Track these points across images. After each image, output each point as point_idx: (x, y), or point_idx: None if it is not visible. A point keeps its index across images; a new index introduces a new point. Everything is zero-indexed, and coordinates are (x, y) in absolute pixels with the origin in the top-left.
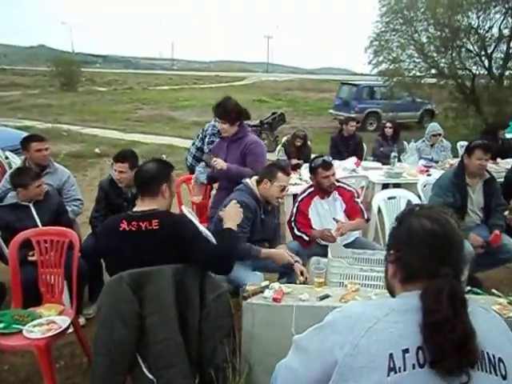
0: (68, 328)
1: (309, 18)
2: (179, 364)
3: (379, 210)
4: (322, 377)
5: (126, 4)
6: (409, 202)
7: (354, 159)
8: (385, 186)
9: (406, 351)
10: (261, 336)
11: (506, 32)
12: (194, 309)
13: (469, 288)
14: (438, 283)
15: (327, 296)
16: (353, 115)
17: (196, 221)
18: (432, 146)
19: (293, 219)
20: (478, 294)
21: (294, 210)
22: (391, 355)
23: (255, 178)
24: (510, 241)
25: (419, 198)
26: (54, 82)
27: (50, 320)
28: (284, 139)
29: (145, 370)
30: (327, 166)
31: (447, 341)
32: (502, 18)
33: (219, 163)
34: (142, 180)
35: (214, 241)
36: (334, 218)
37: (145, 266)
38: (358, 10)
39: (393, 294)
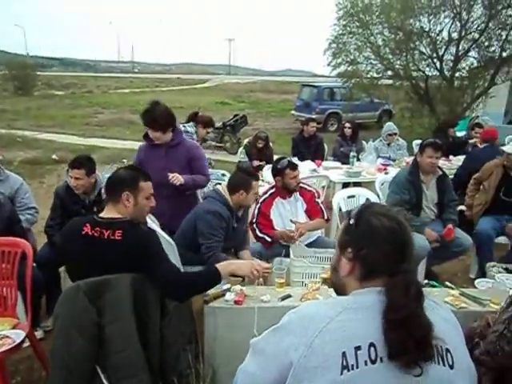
0: (23, 342)
1: (270, 21)
2: (140, 374)
3: (340, 209)
4: (280, 378)
5: (76, 4)
6: (367, 201)
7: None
8: (345, 185)
9: (358, 348)
10: (224, 339)
11: (454, 35)
12: (154, 317)
13: (426, 281)
14: (405, 279)
15: (288, 296)
16: (314, 116)
17: (158, 228)
18: (389, 145)
19: (254, 221)
20: (434, 286)
21: (256, 211)
22: (344, 353)
23: (225, 184)
24: (463, 234)
25: (377, 196)
26: (8, 86)
27: (3, 335)
28: (246, 141)
29: (104, 380)
30: (294, 166)
31: (411, 336)
32: (451, 22)
33: (177, 178)
34: (107, 186)
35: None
36: (291, 220)
37: (103, 275)
38: (317, 12)
39: (343, 293)
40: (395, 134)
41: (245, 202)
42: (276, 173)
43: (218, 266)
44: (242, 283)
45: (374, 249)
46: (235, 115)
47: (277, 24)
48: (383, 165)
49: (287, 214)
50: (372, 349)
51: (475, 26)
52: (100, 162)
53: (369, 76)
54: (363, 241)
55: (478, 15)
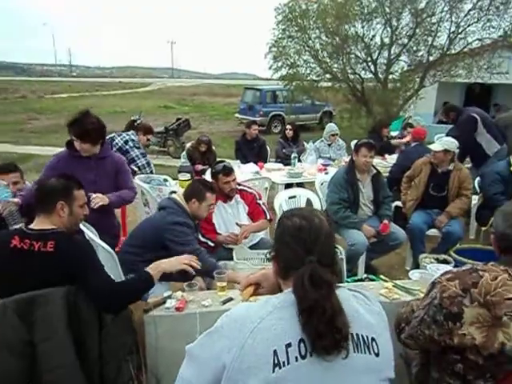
0: None
1: (214, 24)
2: None
3: (282, 210)
4: (215, 382)
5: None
6: (308, 200)
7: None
8: (289, 186)
9: (288, 345)
10: (166, 348)
11: (386, 40)
12: (92, 330)
13: (365, 275)
14: (299, 271)
15: (230, 299)
16: (258, 119)
17: (96, 238)
18: (330, 145)
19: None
20: (373, 279)
21: None
22: (275, 351)
23: (181, 193)
24: (398, 229)
25: (317, 195)
26: None
27: None
28: (188, 145)
29: None
30: (228, 172)
31: (320, 322)
32: (383, 28)
33: (102, 199)
34: (38, 196)
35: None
36: (236, 223)
37: (35, 289)
38: (259, 16)
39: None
40: (337, 134)
41: (197, 212)
42: (212, 177)
43: (148, 268)
44: (189, 288)
45: (285, 247)
46: (178, 119)
47: (221, 27)
48: (323, 165)
49: (229, 218)
50: (302, 344)
51: (404, 32)
52: (35, 170)
53: (308, 79)
54: (277, 241)
55: (406, 22)
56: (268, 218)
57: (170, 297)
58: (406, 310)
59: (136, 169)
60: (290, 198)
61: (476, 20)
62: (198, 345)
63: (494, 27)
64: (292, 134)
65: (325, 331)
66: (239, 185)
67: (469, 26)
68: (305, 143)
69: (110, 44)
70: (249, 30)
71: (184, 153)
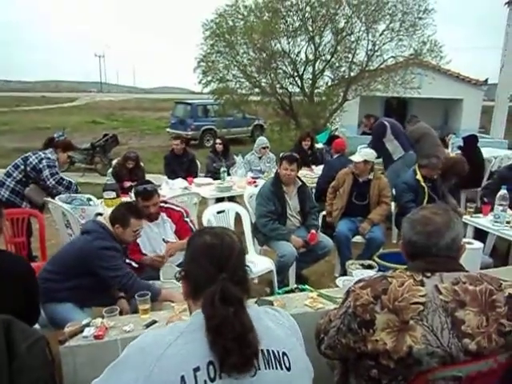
0: None
1: (144, 37)
2: None
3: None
4: None
5: None
6: (237, 214)
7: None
8: (220, 200)
9: (196, 370)
10: (86, 379)
11: (311, 57)
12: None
13: (295, 285)
14: (210, 289)
15: (154, 322)
16: (190, 133)
17: None
18: (260, 158)
19: None
20: (303, 290)
21: None
22: (183, 377)
23: (107, 216)
24: (325, 237)
25: (246, 209)
26: None
27: None
28: (114, 162)
29: None
30: (147, 196)
31: (228, 339)
32: (307, 44)
33: None
34: None
35: None
36: (163, 239)
37: None
38: (188, 31)
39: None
40: (267, 147)
41: (122, 237)
42: (135, 197)
43: None
44: (109, 313)
45: (196, 266)
46: (105, 135)
47: (151, 41)
48: (253, 178)
49: (155, 237)
50: (211, 367)
51: (327, 49)
52: None
53: (239, 93)
54: (188, 260)
55: (328, 40)
56: None
57: (88, 324)
58: (324, 321)
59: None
60: (218, 212)
61: (390, 39)
62: (103, 380)
63: (405, 46)
64: (222, 147)
65: (233, 348)
66: (166, 203)
67: (384, 44)
68: (235, 156)
69: (33, 57)
70: (180, 44)
71: (110, 170)
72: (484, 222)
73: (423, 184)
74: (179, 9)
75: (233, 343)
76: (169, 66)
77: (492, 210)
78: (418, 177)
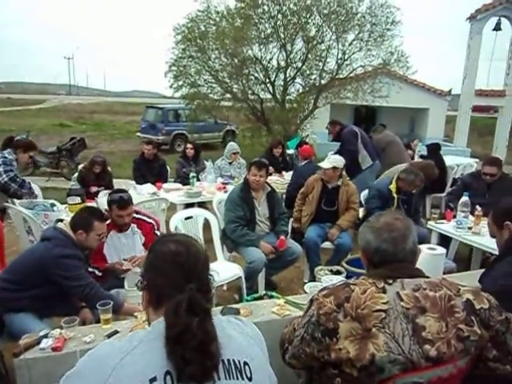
0: None
1: (114, 41)
2: None
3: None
4: None
5: None
6: (206, 221)
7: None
8: (190, 206)
9: (153, 380)
10: None
11: (282, 63)
12: None
13: (264, 292)
14: (177, 298)
15: (116, 332)
16: (160, 137)
17: None
18: (231, 163)
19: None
20: (272, 296)
21: None
22: None
23: (67, 222)
24: (294, 243)
25: (215, 215)
26: None
27: None
28: (81, 166)
29: None
30: (123, 205)
31: (187, 349)
32: (278, 51)
33: None
34: None
35: None
36: (123, 259)
37: None
38: (160, 34)
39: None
40: (237, 152)
41: (85, 243)
42: (107, 205)
43: None
44: (68, 324)
45: (160, 274)
46: (72, 138)
47: (122, 44)
48: (223, 183)
49: (123, 248)
50: (168, 377)
51: (298, 57)
52: None
53: (210, 98)
54: (150, 268)
55: (299, 47)
56: None
57: (46, 336)
58: (288, 330)
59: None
60: (186, 218)
61: (359, 49)
62: None
63: (373, 56)
64: (193, 152)
65: (193, 358)
66: (138, 213)
67: (353, 53)
68: (205, 162)
69: None
70: (152, 47)
71: (76, 174)
72: (447, 227)
73: (394, 195)
74: (151, 12)
75: (193, 353)
76: (141, 70)
77: (455, 216)
78: (392, 187)
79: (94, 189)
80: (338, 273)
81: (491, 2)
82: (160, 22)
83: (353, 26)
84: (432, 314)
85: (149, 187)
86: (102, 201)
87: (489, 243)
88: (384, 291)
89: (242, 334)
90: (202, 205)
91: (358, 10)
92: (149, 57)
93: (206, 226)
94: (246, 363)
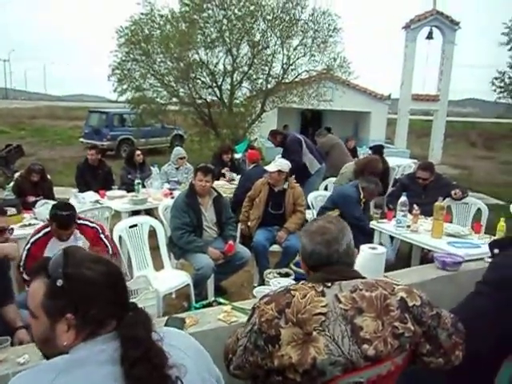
0: None
1: (55, 44)
2: None
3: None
4: None
5: None
6: (152, 228)
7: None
8: (137, 213)
9: None
10: None
11: (229, 68)
12: None
13: (213, 299)
14: (132, 317)
15: None
16: (105, 143)
17: None
18: (177, 169)
19: (22, 264)
20: (220, 303)
21: (24, 253)
22: None
23: None
24: (242, 248)
25: (161, 222)
26: None
27: None
28: (17, 175)
29: None
30: (64, 225)
31: (155, 368)
32: (225, 56)
33: None
34: None
35: None
36: None
37: None
38: (104, 36)
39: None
40: (184, 157)
41: None
42: (50, 216)
43: None
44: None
45: (99, 301)
46: (8, 145)
47: (64, 45)
48: (170, 189)
49: None
50: None
51: (244, 61)
52: None
53: (156, 102)
54: (83, 298)
55: (245, 52)
56: (110, 252)
57: None
58: (231, 340)
59: None
60: (130, 227)
61: (303, 54)
62: None
63: (317, 61)
64: (138, 158)
65: (156, 376)
66: (80, 219)
67: (298, 59)
68: (151, 167)
69: None
70: (96, 49)
71: (11, 184)
72: (388, 227)
73: (362, 204)
74: (94, 13)
75: (156, 371)
76: (84, 73)
77: (395, 215)
78: (362, 196)
79: (31, 198)
80: (287, 275)
81: (423, 13)
82: (104, 24)
83: (296, 32)
84: (369, 314)
85: (91, 195)
86: (40, 211)
87: (426, 240)
88: (323, 294)
89: (171, 347)
90: (148, 212)
91: (301, 16)
92: (94, 59)
93: (152, 233)
94: (177, 377)
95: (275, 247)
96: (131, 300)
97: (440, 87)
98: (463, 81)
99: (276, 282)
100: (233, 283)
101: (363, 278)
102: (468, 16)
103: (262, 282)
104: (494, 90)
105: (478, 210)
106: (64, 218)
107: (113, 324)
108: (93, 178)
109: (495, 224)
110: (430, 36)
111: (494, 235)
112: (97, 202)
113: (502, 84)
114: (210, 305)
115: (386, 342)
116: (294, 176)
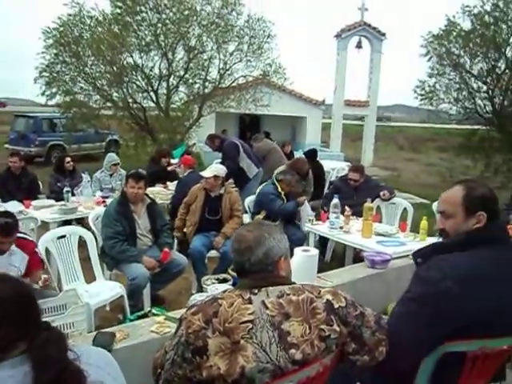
0: None
1: None
2: None
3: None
4: None
5: None
6: (81, 239)
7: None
8: (68, 223)
9: None
10: None
11: (165, 72)
12: None
13: (149, 309)
14: (43, 337)
15: None
16: (33, 149)
17: None
18: (111, 175)
19: None
20: (155, 314)
21: None
22: None
23: None
24: (179, 255)
25: (92, 232)
26: None
27: None
28: None
29: None
30: (6, 231)
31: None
32: (160, 60)
33: None
34: None
35: None
36: None
37: None
38: (32, 37)
39: None
40: (118, 163)
41: None
42: None
43: None
44: None
45: (2, 323)
46: None
47: None
48: (102, 197)
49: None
50: None
51: (180, 65)
52: None
53: (89, 106)
54: None
55: (181, 56)
56: (45, 267)
57: None
58: (159, 354)
59: None
60: (58, 238)
61: (239, 60)
62: None
63: (253, 67)
64: (68, 165)
65: None
66: (19, 232)
67: (234, 64)
68: (82, 174)
69: None
70: (24, 51)
71: None
72: (322, 228)
73: (283, 197)
74: (19, 13)
75: None
76: (12, 75)
77: (329, 217)
78: (280, 190)
79: None
80: (225, 281)
81: (353, 24)
82: (31, 24)
83: (232, 37)
84: (296, 319)
85: (15, 205)
86: None
87: (357, 240)
88: (250, 302)
89: (90, 366)
90: (80, 221)
91: (237, 23)
92: (23, 61)
93: (83, 243)
94: None
95: (213, 253)
96: (51, 317)
97: (369, 93)
98: (392, 88)
99: (214, 288)
100: (170, 291)
101: (291, 283)
102: (396, 27)
103: (201, 289)
104: (416, 98)
105: (405, 209)
106: (6, 223)
107: (21, 346)
108: (16, 186)
109: (420, 223)
110: (359, 45)
111: (419, 233)
112: (20, 212)
113: (423, 92)
114: (145, 316)
115: (313, 345)
116: (231, 181)
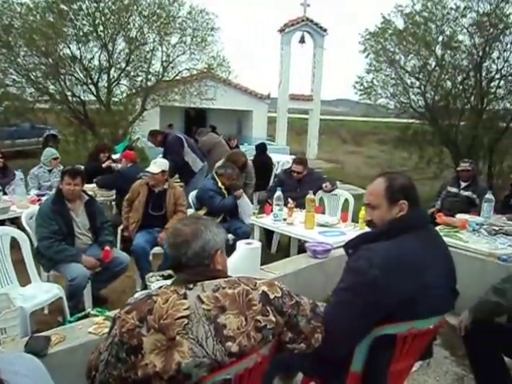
0: None
1: None
2: None
3: None
4: None
5: None
6: (13, 239)
7: None
8: (1, 224)
9: None
10: None
11: (105, 64)
12: None
13: (89, 309)
14: None
15: None
16: None
17: None
18: (51, 171)
19: None
20: (95, 315)
21: None
22: None
23: None
24: (121, 253)
25: (26, 232)
26: None
27: None
28: None
29: None
30: None
31: None
32: (100, 51)
33: None
34: None
35: None
36: None
37: None
38: None
39: None
40: (58, 158)
41: None
42: None
43: None
44: None
45: None
46: None
47: None
48: (38, 195)
49: None
50: None
51: (122, 57)
52: None
53: (22, 100)
54: None
55: (122, 48)
56: None
57: None
58: (94, 356)
59: None
60: None
61: (182, 52)
62: None
63: (197, 59)
64: (2, 162)
65: None
66: None
67: (177, 56)
68: (15, 172)
69: None
70: None
71: None
72: (266, 221)
73: (224, 191)
74: None
75: None
76: None
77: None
78: (220, 184)
79: None
80: (170, 277)
81: (296, 19)
82: None
83: (175, 29)
84: (231, 311)
85: None
86: None
87: (300, 232)
88: (185, 297)
89: (14, 375)
90: (15, 222)
91: (179, 14)
92: None
93: (16, 245)
94: None
95: (157, 249)
96: None
97: (313, 88)
98: (335, 83)
99: (157, 286)
100: (114, 290)
101: (227, 276)
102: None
103: (145, 287)
104: (356, 93)
105: (346, 200)
106: None
107: None
108: None
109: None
110: (302, 40)
111: (358, 222)
112: None
113: (362, 87)
114: (86, 317)
115: (249, 337)
116: (177, 176)
